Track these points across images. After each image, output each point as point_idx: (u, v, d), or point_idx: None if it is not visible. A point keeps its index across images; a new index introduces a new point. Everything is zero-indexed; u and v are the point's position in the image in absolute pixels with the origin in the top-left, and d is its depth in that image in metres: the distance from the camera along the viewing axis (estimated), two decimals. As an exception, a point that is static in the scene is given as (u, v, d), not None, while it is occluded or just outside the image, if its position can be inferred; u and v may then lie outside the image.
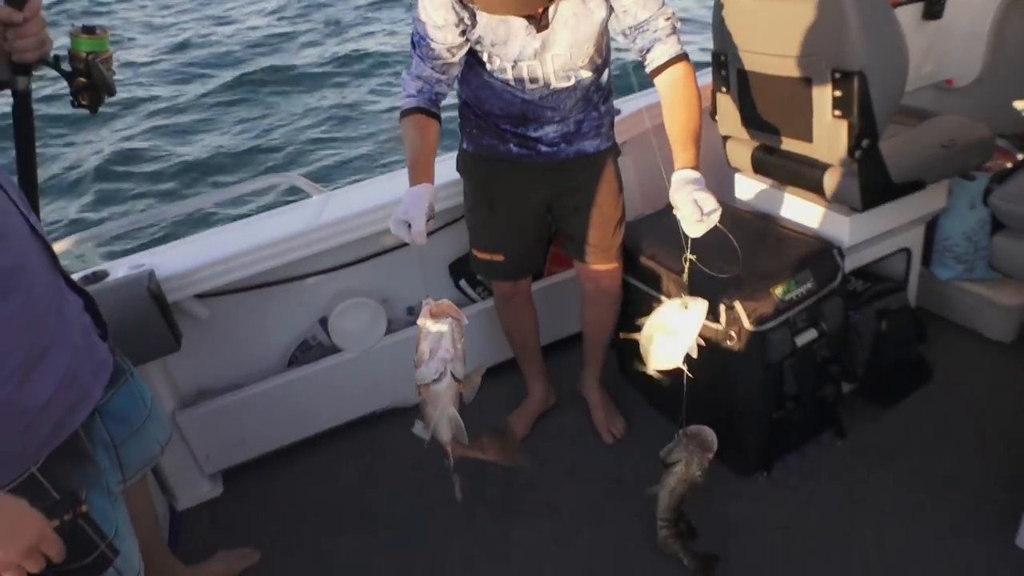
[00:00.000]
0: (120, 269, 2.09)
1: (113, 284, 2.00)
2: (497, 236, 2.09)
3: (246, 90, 8.82)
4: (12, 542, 1.11)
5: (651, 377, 1.65)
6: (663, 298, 2.11)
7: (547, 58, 1.73)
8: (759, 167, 2.20)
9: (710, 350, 1.77)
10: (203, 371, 2.43)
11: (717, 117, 2.26)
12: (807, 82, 1.87)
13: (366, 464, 2.43)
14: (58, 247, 1.43)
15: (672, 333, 1.59)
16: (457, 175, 2.14)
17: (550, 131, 1.91)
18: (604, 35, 1.77)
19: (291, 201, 2.47)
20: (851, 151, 1.83)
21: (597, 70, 1.85)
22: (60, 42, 1.49)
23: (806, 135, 1.93)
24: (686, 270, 1.59)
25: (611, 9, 1.68)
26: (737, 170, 2.38)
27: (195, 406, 2.33)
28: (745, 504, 2.06)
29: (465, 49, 1.72)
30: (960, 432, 2.17)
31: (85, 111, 1.54)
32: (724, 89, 2.16)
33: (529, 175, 1.98)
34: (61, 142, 7.52)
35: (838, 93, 1.78)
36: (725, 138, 2.29)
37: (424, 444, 1.65)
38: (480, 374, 1.61)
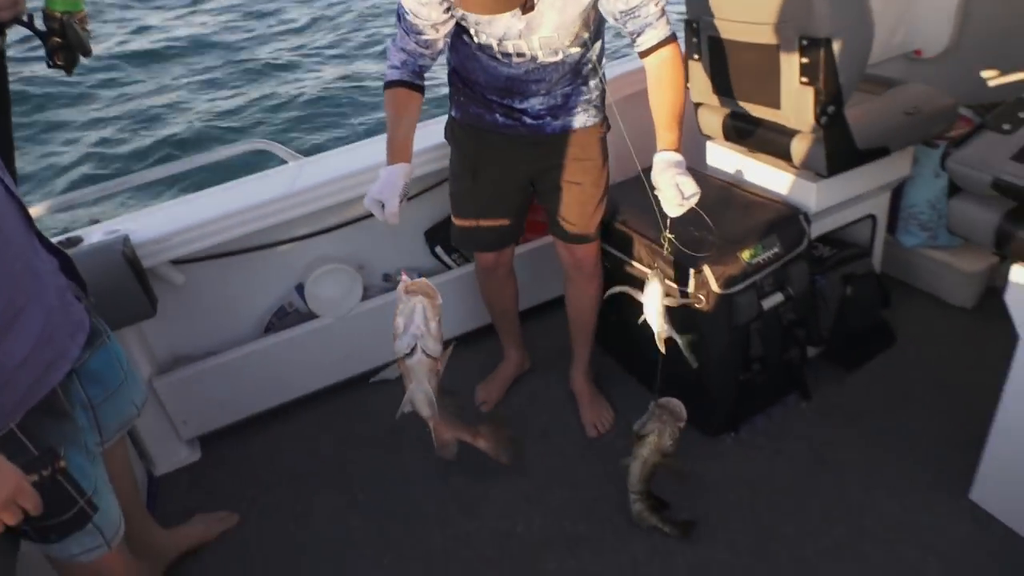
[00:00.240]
0: (94, 234, 2.09)
1: (88, 249, 2.00)
2: (479, 206, 2.08)
3: (218, 57, 8.71)
4: None
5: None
6: (635, 263, 2.15)
7: (533, 39, 1.72)
8: (729, 134, 2.24)
9: (680, 313, 1.82)
10: (179, 337, 2.44)
11: (689, 84, 2.28)
12: (776, 49, 1.90)
13: (343, 428, 2.47)
14: (33, 212, 1.44)
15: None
16: (435, 141, 2.15)
17: (536, 103, 1.91)
18: (594, 11, 1.76)
19: (266, 168, 2.47)
20: (817, 117, 1.87)
21: (586, 45, 1.83)
22: (35, 3, 1.49)
23: (775, 102, 1.97)
24: (666, 248, 1.67)
25: None
26: (709, 137, 2.42)
27: (171, 372, 2.34)
28: (713, 464, 2.13)
29: (450, 25, 1.72)
30: (920, 394, 2.24)
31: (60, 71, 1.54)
32: (696, 56, 2.19)
33: (514, 147, 1.98)
34: (35, 106, 7.42)
35: (805, 60, 1.81)
36: (697, 105, 2.32)
37: (397, 414, 1.70)
38: (448, 354, 1.66)
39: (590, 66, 1.90)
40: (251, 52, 8.94)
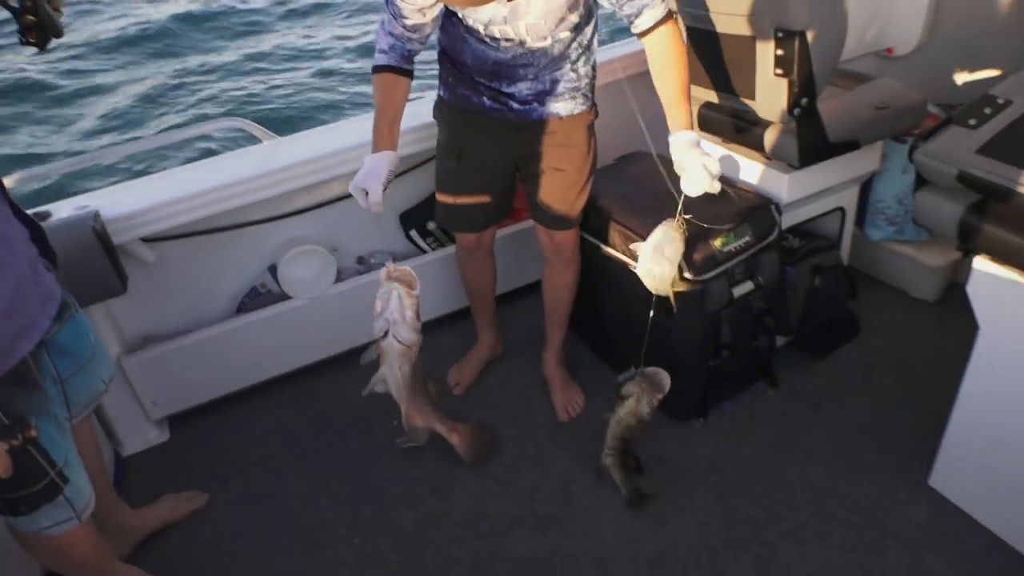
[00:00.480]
0: (64, 209, 2.06)
1: (57, 224, 1.97)
2: (463, 187, 2.08)
3: (191, 29, 8.58)
4: None
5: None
6: (609, 249, 2.17)
7: (519, 24, 1.71)
8: (704, 124, 2.27)
9: (652, 297, 1.85)
10: (149, 316, 2.42)
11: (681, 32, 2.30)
12: (752, 40, 1.93)
13: (314, 410, 2.46)
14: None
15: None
16: (410, 124, 2.14)
17: (523, 88, 1.89)
18: None
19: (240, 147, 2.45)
20: (791, 109, 1.90)
21: (576, 28, 1.81)
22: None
23: (749, 93, 2.00)
24: (679, 224, 1.69)
25: None
26: (683, 128, 2.44)
27: (140, 351, 2.32)
28: (680, 448, 2.16)
29: (438, 9, 1.71)
30: (883, 383, 2.30)
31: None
32: (673, 47, 2.20)
33: (500, 131, 1.96)
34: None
35: (780, 52, 1.84)
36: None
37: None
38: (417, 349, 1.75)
39: (580, 51, 1.87)
40: (226, 27, 8.81)
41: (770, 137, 2.04)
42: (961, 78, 2.78)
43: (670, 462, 2.12)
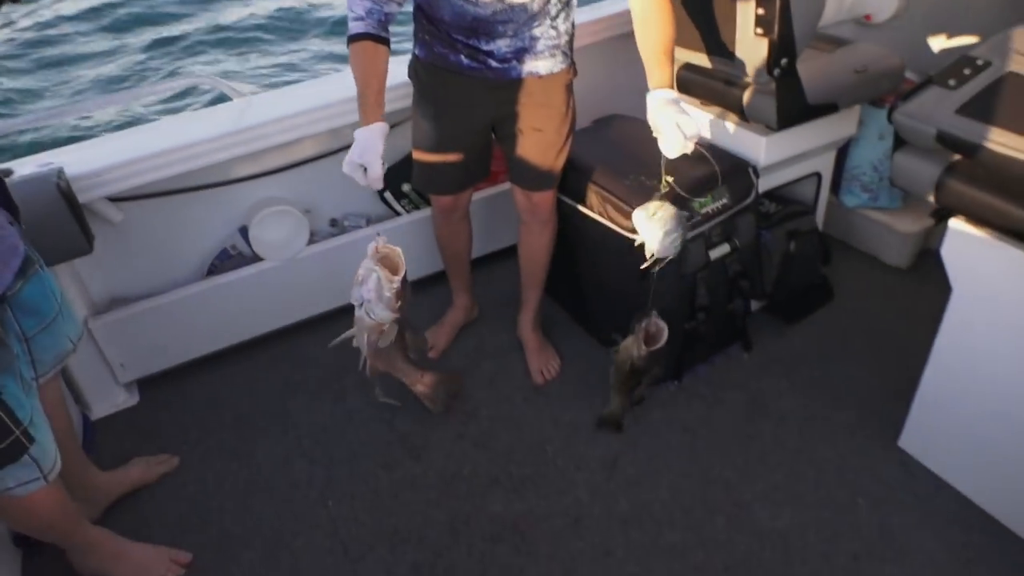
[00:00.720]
0: (27, 166, 1.99)
1: (19, 181, 1.90)
2: (439, 148, 2.03)
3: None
4: None
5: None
6: (586, 211, 2.16)
7: None
8: (683, 86, 2.25)
9: (629, 259, 1.84)
10: (116, 278, 2.36)
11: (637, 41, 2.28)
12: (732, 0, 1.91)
13: (287, 373, 2.43)
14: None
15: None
16: (388, 82, 2.09)
17: (502, 45, 1.84)
18: None
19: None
20: (770, 69, 1.89)
21: None
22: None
23: (729, 54, 1.98)
24: (662, 190, 1.69)
25: None
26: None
27: (108, 313, 2.27)
28: (655, 410, 2.17)
29: None
30: (855, 348, 2.33)
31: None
32: (652, 7, 2.18)
33: (477, 90, 1.92)
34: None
35: (761, 11, 1.82)
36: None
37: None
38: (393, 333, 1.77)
39: (560, 6, 1.83)
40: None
41: (749, 99, 2.02)
42: (938, 46, 2.79)
43: (645, 424, 2.13)
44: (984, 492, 1.82)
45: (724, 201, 2.02)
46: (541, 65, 1.89)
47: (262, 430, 2.23)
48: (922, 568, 1.73)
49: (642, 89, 1.72)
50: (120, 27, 7.77)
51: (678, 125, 1.58)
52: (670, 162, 1.68)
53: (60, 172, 1.94)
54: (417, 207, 2.64)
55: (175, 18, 7.80)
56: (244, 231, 2.44)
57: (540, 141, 1.99)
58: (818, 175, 2.39)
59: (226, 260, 2.49)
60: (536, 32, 1.84)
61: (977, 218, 1.53)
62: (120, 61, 6.90)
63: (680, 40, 2.13)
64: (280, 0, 8.13)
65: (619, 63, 2.54)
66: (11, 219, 1.47)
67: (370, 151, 1.57)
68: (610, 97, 2.56)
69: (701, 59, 2.12)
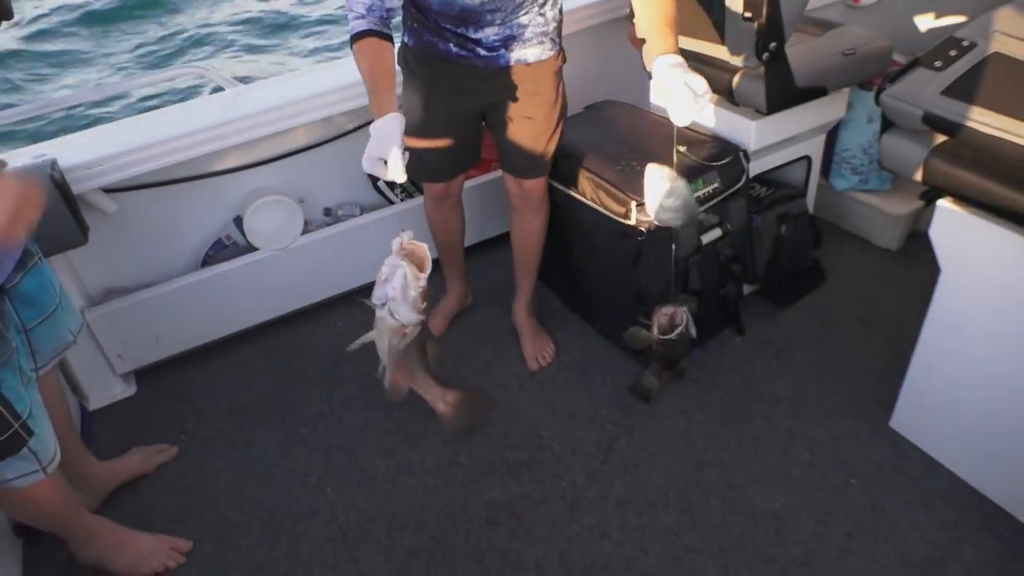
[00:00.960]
0: (21, 158, 2.00)
1: (14, 172, 1.91)
2: (430, 136, 2.03)
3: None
4: None
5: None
6: (579, 197, 2.17)
7: None
8: (673, 72, 2.26)
9: (622, 245, 1.86)
10: (111, 269, 2.37)
11: (636, 20, 2.29)
12: (722, -16, 1.92)
13: (284, 362, 2.45)
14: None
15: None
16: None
17: (490, 33, 1.84)
18: None
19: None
20: (759, 53, 1.90)
21: None
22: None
23: (718, 37, 1.99)
24: (675, 161, 1.63)
25: None
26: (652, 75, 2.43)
27: (104, 304, 2.28)
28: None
29: None
30: (846, 330, 2.35)
31: None
32: (642, -8, 2.19)
33: (467, 78, 1.92)
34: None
35: (749, -6, 1.84)
36: (641, 41, 2.32)
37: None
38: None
39: None
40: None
41: (738, 83, 2.04)
42: (926, 27, 2.80)
43: (640, 408, 2.15)
44: (975, 471, 1.84)
45: (715, 186, 2.04)
46: (530, 52, 1.90)
47: (259, 419, 2.25)
48: (914, 546, 1.75)
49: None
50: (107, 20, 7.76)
51: (686, 83, 1.49)
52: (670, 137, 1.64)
53: (54, 163, 1.95)
54: (411, 195, 2.65)
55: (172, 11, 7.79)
56: (238, 221, 2.45)
57: (531, 129, 2.00)
58: (808, 158, 2.40)
59: (221, 250, 2.50)
60: (524, 20, 1.84)
61: (964, 198, 1.54)
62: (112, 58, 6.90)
63: (669, 25, 2.15)
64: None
65: (610, 49, 2.56)
66: None
67: (387, 142, 1.49)
68: (602, 83, 2.57)
69: (691, 43, 2.12)
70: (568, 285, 2.50)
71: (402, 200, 2.65)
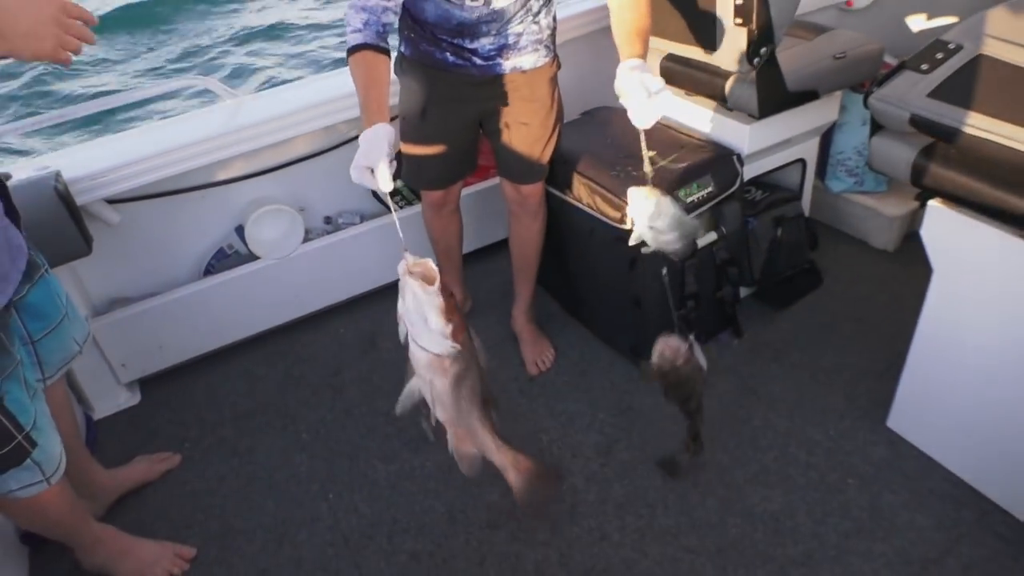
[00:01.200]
0: (25, 170, 2.02)
1: (18, 185, 1.93)
2: (428, 144, 2.06)
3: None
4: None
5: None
6: (576, 202, 2.19)
7: None
8: (667, 77, 2.28)
9: (618, 249, 1.87)
10: (115, 279, 2.40)
11: (613, 29, 2.31)
12: (712, -10, 1.94)
13: (285, 370, 2.47)
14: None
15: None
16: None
17: (486, 43, 1.88)
18: None
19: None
20: (750, 58, 1.92)
21: None
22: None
23: (710, 43, 2.01)
24: (647, 170, 1.58)
25: None
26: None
27: (108, 314, 2.31)
28: (648, 398, 2.20)
29: None
30: (844, 331, 2.36)
31: None
32: None
33: (463, 87, 1.96)
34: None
35: (739, 1, 1.85)
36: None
37: (397, 409, 1.41)
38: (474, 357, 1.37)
39: (541, 3, 1.87)
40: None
41: (731, 88, 2.06)
42: (918, 30, 2.82)
43: (638, 411, 2.16)
44: (972, 468, 1.85)
45: (710, 189, 2.06)
46: (525, 60, 1.93)
47: (262, 426, 2.27)
48: (912, 545, 1.76)
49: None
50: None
51: (642, 82, 1.50)
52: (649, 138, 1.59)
53: (57, 175, 1.98)
54: (410, 203, 2.68)
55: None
56: (240, 230, 2.47)
57: (527, 135, 2.03)
58: (803, 161, 2.42)
59: (223, 259, 2.53)
60: (518, 29, 1.87)
61: (953, 199, 1.56)
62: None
63: (663, 31, 2.18)
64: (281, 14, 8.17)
65: (606, 55, 2.56)
66: (13, 219, 1.50)
67: (374, 152, 1.46)
68: (598, 89, 2.58)
69: (684, 50, 2.15)
70: (566, 290, 2.52)
71: (401, 207, 2.68)
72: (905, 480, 1.90)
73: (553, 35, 1.97)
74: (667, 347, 1.66)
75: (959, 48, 1.56)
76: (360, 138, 1.51)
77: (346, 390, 2.35)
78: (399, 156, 2.12)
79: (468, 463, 1.47)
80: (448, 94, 1.98)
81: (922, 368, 1.87)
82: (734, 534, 1.83)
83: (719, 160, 2.10)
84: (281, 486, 2.08)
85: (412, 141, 2.08)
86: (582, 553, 1.82)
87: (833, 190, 2.67)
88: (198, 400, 2.40)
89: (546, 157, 2.09)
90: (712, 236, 2.11)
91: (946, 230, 1.63)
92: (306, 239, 2.52)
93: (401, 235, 1.36)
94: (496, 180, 2.26)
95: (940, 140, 1.53)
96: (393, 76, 2.04)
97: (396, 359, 2.42)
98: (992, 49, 1.53)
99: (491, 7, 1.77)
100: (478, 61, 1.91)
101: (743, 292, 2.41)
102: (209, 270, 2.51)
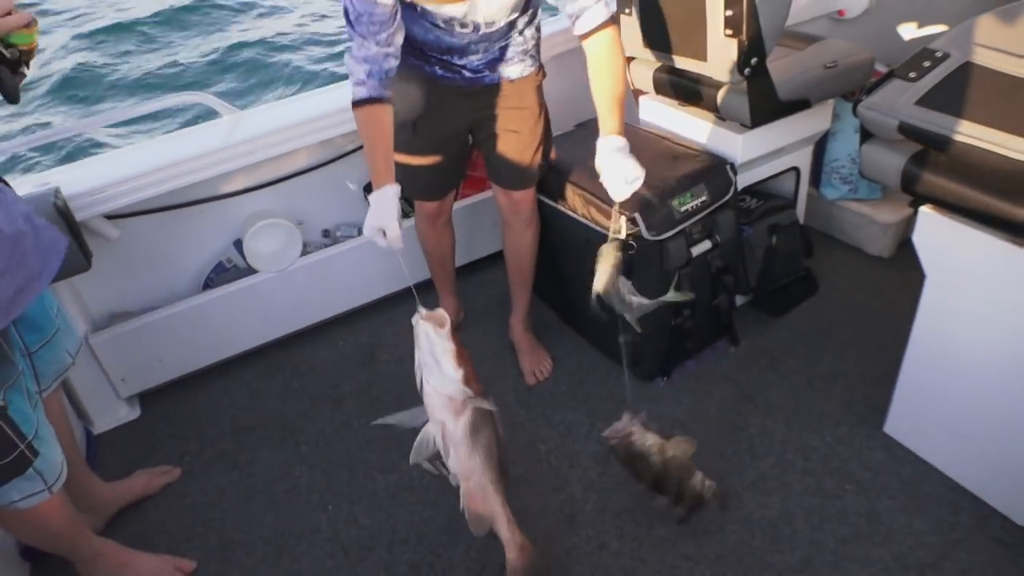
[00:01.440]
0: (24, 187, 2.05)
1: (16, 202, 1.96)
2: (420, 156, 2.09)
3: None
4: None
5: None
6: (571, 213, 2.21)
7: (478, 15, 1.73)
8: (660, 88, 2.30)
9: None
10: (115, 294, 2.42)
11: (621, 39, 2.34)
12: (702, 1, 1.96)
13: (285, 383, 2.48)
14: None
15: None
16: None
17: (474, 59, 1.92)
18: None
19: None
20: (741, 69, 1.94)
21: (526, 7, 1.84)
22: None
23: (702, 54, 2.03)
24: (613, 227, 1.70)
25: None
26: (641, 92, 2.48)
27: (108, 329, 2.32)
28: (646, 406, 2.17)
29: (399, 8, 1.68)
30: (840, 338, 2.37)
31: None
32: (628, 11, 2.23)
33: (453, 97, 1.99)
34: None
35: (729, 12, 1.88)
36: (629, 59, 2.38)
37: (411, 459, 1.50)
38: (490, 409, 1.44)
39: (526, 21, 1.92)
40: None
41: (722, 98, 2.08)
42: (910, 39, 2.84)
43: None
44: (970, 473, 1.85)
45: (703, 198, 2.07)
46: (512, 70, 1.98)
47: (261, 439, 2.28)
48: (910, 550, 1.76)
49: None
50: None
51: (623, 174, 1.64)
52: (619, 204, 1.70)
53: (57, 191, 2.00)
54: (406, 215, 2.69)
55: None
56: (239, 244, 2.49)
57: (517, 142, 2.06)
58: (797, 170, 2.44)
59: (222, 273, 2.54)
60: (505, 43, 1.93)
61: (943, 205, 1.58)
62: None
63: (653, 44, 2.21)
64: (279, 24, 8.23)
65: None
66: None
67: (385, 212, 1.61)
68: (592, 101, 2.61)
69: (676, 61, 2.17)
70: (562, 300, 2.53)
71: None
72: (902, 485, 1.90)
73: (538, 45, 2.02)
74: (612, 432, 1.73)
75: (946, 56, 1.58)
76: (371, 198, 1.64)
77: (345, 402, 2.36)
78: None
79: (477, 524, 1.49)
80: (438, 105, 2.01)
81: (917, 373, 1.87)
82: (733, 541, 1.83)
83: (713, 169, 2.12)
84: (280, 498, 2.08)
85: (404, 152, 2.10)
86: (581, 562, 1.82)
87: (828, 198, 2.68)
88: (198, 414, 2.41)
89: (536, 163, 2.13)
90: (706, 245, 2.13)
91: (937, 236, 1.64)
92: (304, 252, 2.53)
93: (413, 286, 1.51)
94: (488, 194, 2.28)
95: (929, 147, 1.55)
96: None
97: (395, 371, 2.45)
98: (979, 57, 1.55)
99: (480, 32, 1.81)
100: (467, 74, 1.96)
101: (739, 300, 2.42)
102: (208, 284, 2.53)
